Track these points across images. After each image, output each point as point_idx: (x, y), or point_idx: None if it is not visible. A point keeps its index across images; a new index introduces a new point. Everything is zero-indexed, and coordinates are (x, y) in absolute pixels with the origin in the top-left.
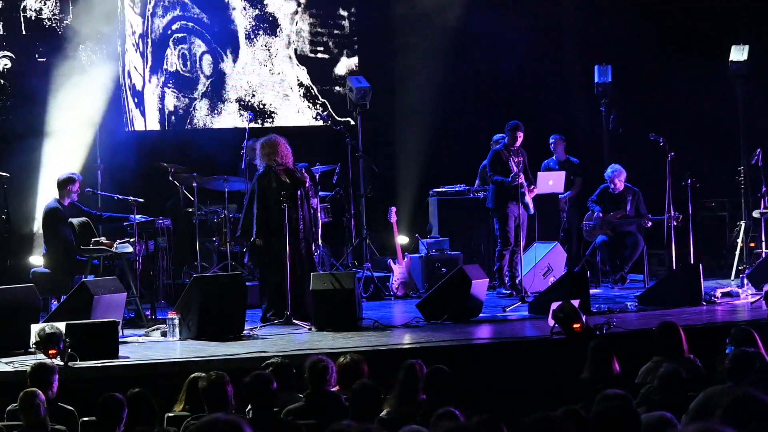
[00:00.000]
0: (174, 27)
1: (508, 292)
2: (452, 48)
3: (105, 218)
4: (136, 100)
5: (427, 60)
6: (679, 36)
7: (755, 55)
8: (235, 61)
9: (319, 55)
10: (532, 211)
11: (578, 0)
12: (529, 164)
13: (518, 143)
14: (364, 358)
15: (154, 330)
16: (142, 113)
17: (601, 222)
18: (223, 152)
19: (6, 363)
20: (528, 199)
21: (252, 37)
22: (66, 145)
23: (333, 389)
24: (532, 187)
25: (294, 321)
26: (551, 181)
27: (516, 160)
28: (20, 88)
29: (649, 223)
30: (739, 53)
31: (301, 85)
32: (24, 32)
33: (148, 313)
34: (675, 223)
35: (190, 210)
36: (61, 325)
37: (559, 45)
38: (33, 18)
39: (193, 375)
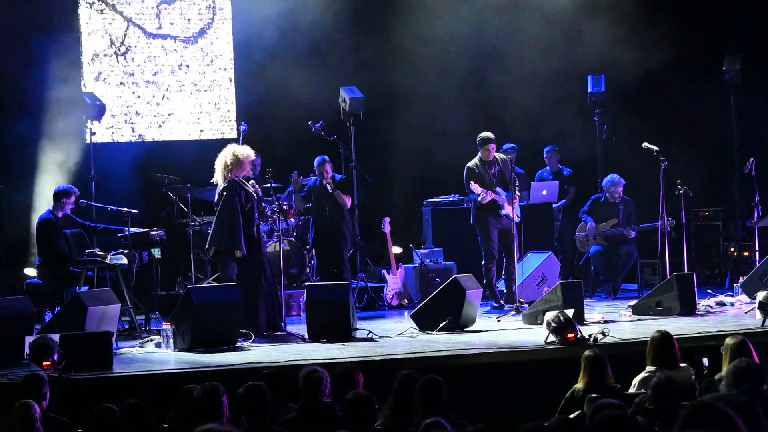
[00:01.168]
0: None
1: (498, 305)
2: (448, 57)
3: (99, 230)
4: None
5: (422, 70)
6: (673, 45)
7: (748, 65)
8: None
9: None
10: (516, 219)
11: (573, 5)
12: (527, 175)
13: (491, 155)
14: (358, 368)
15: (148, 341)
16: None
17: (595, 233)
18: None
19: (0, 375)
20: (509, 209)
21: None
22: (60, 156)
23: (327, 400)
24: (515, 195)
25: (289, 332)
26: (545, 191)
27: (492, 172)
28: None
29: (633, 234)
30: (732, 63)
31: None
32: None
33: (142, 324)
34: (669, 229)
35: (184, 221)
36: (56, 337)
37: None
38: None
39: (187, 386)
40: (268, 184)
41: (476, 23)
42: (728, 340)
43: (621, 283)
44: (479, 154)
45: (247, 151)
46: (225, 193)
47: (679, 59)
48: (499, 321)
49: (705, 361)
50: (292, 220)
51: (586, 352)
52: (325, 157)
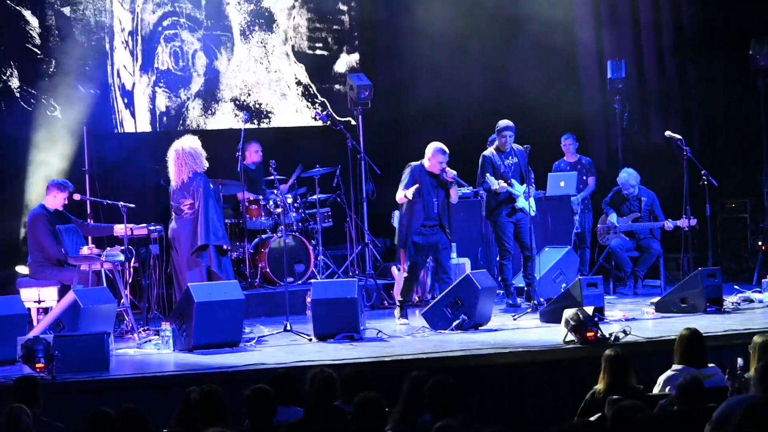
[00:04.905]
0: (165, 23)
1: (513, 302)
2: (459, 44)
3: (92, 228)
4: (125, 101)
5: (433, 56)
6: (696, 28)
7: None
8: (229, 58)
9: (318, 52)
10: (532, 213)
11: None
12: (543, 166)
13: (508, 145)
14: (368, 369)
15: (146, 342)
16: (132, 114)
17: (616, 227)
18: (217, 155)
19: None
20: (522, 202)
21: (247, 33)
22: (53, 149)
23: (336, 402)
24: (527, 188)
25: (294, 331)
26: (563, 183)
27: (508, 162)
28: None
29: (671, 226)
30: (759, 46)
31: (299, 83)
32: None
33: (140, 324)
34: (688, 228)
35: None
36: (49, 337)
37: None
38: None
39: (188, 390)
40: (272, 177)
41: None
42: (756, 339)
43: (643, 279)
44: (495, 143)
45: (198, 142)
46: (203, 187)
47: (704, 42)
48: (515, 319)
49: (740, 360)
50: (296, 214)
51: (607, 352)
52: None
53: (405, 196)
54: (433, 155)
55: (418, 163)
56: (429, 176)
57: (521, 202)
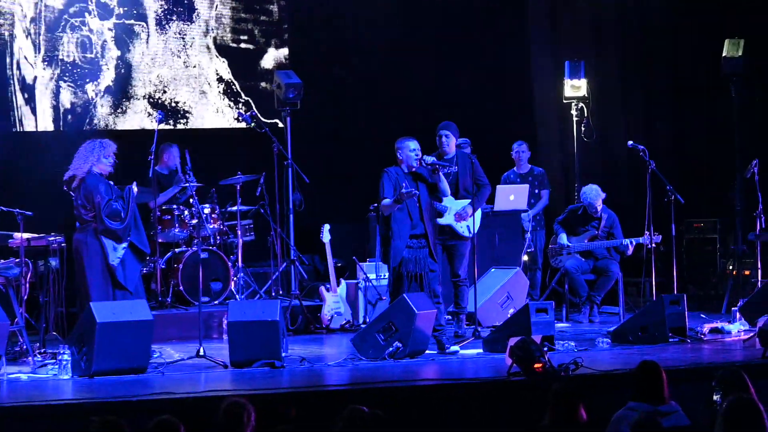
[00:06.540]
0: (72, 10)
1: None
2: (398, 39)
3: None
4: (25, 96)
5: (369, 51)
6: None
7: (752, 51)
8: (143, 51)
9: (243, 46)
10: (468, 233)
11: None
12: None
13: (445, 148)
14: (248, 402)
15: (42, 366)
16: (33, 111)
17: (569, 247)
18: (128, 158)
19: None
20: (449, 219)
21: (164, 22)
22: None
23: None
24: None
25: (208, 357)
26: (512, 196)
27: (445, 171)
28: None
29: (630, 250)
30: (733, 48)
31: (220, 80)
32: None
33: (36, 345)
34: (652, 246)
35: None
36: None
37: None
38: None
39: (90, 419)
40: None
41: None
42: (721, 373)
43: (600, 305)
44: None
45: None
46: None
47: (672, 43)
48: (447, 348)
49: (717, 397)
50: (215, 226)
51: (555, 385)
52: None
53: (393, 202)
54: (402, 149)
55: (392, 166)
56: (406, 177)
57: (447, 219)
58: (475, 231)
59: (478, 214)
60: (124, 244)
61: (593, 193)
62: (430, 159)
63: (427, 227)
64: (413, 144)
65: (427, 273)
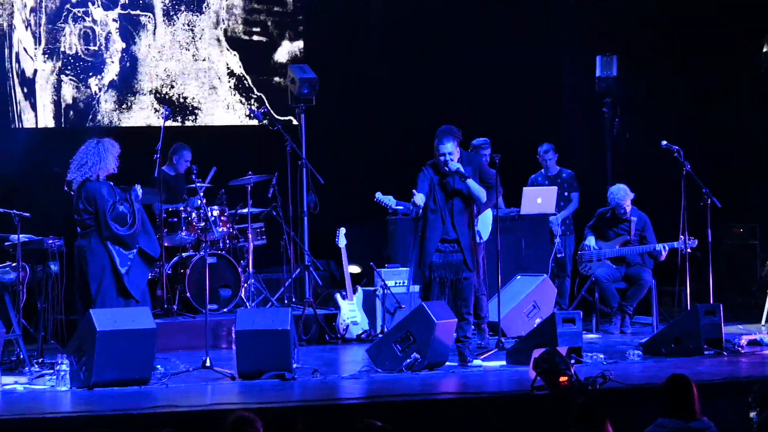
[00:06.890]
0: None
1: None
2: (421, 32)
3: None
4: (25, 90)
5: (388, 46)
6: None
7: None
8: (149, 43)
9: (255, 38)
10: (479, 239)
11: None
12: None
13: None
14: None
15: (39, 377)
16: (33, 106)
17: (600, 254)
18: (132, 157)
19: None
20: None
21: (172, 13)
22: None
23: None
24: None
25: (215, 368)
26: (540, 199)
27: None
28: None
29: (663, 256)
30: None
31: (231, 74)
32: None
33: (33, 355)
34: (688, 251)
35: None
36: None
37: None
38: None
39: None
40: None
41: None
42: (758, 388)
43: (632, 315)
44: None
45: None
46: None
47: (709, 39)
48: (470, 361)
49: (753, 414)
50: (224, 229)
51: (579, 398)
52: None
53: (414, 203)
54: (436, 144)
55: (429, 165)
56: (439, 176)
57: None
58: (485, 237)
59: (489, 217)
60: (134, 250)
61: (621, 193)
62: (455, 166)
63: (459, 232)
64: (442, 147)
65: (460, 280)
